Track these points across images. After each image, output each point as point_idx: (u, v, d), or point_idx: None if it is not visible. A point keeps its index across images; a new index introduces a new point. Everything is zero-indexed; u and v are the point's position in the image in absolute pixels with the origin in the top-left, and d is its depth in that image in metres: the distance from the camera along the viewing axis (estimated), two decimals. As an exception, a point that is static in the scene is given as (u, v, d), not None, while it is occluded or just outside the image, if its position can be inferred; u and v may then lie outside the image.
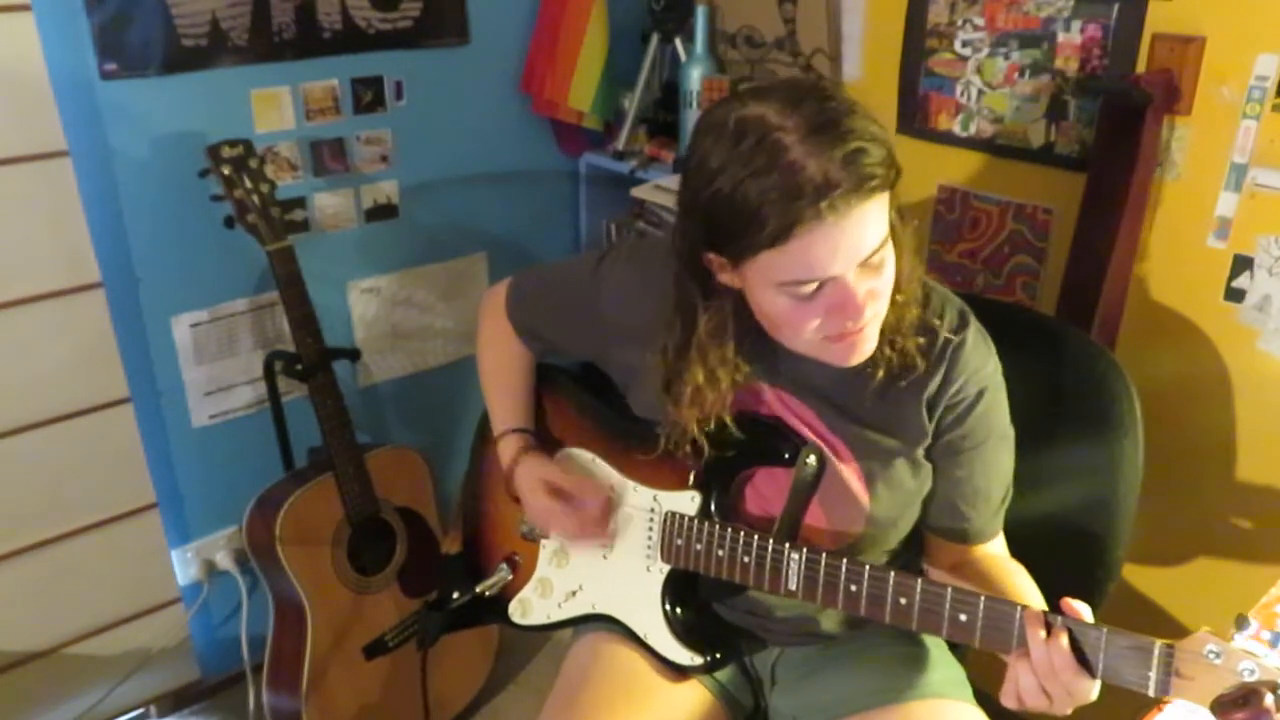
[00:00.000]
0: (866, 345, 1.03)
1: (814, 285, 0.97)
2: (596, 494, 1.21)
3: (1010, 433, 1.16)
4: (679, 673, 1.21)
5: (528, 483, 1.25)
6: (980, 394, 1.11)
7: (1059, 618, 0.92)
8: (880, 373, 1.08)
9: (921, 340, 1.09)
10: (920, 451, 1.12)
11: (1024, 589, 1.08)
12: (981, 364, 1.11)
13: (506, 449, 1.29)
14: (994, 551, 1.18)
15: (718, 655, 1.20)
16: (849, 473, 1.12)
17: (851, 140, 0.91)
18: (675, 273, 1.08)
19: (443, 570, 1.42)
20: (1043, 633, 0.92)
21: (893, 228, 1.00)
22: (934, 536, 1.19)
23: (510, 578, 1.33)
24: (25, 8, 1.50)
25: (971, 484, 1.14)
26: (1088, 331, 1.52)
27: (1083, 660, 0.90)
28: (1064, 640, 0.90)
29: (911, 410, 1.11)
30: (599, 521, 1.22)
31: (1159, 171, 1.53)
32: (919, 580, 0.99)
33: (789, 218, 0.90)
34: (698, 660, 1.19)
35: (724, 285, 1.05)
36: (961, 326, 1.11)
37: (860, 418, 1.12)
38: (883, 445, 1.12)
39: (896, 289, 1.04)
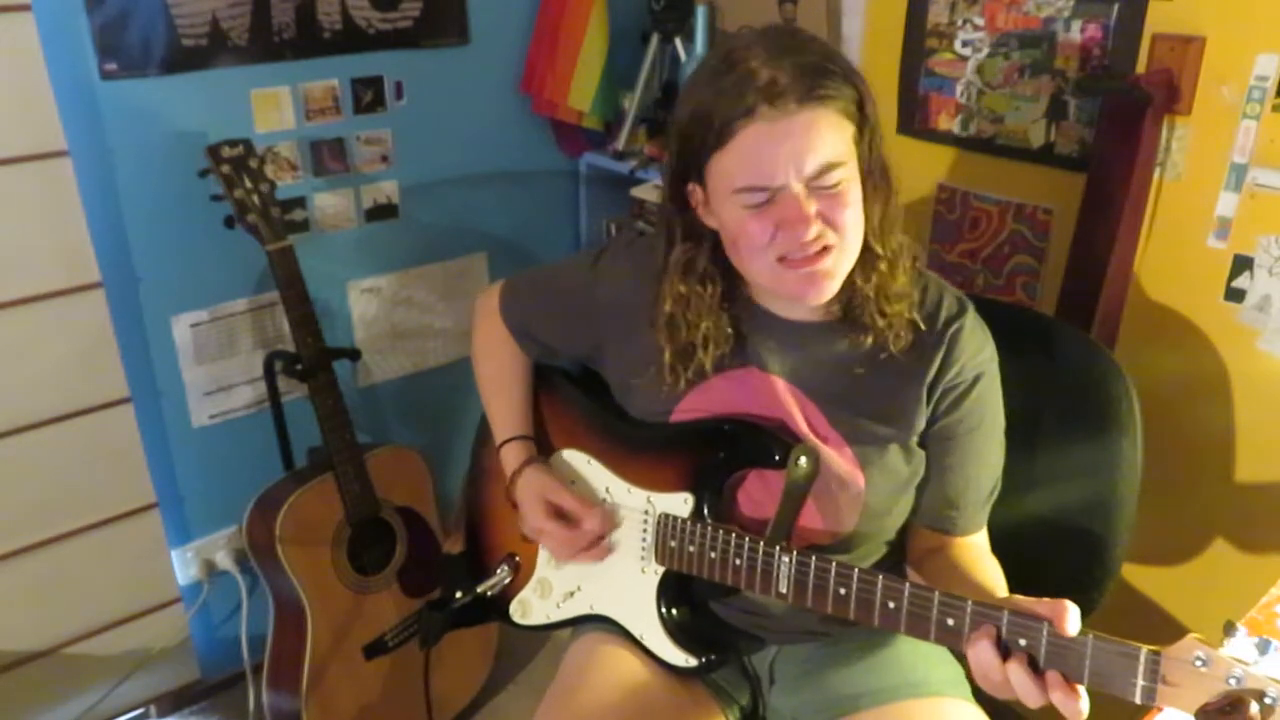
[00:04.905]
0: (827, 283, 1.04)
1: (764, 195, 0.99)
2: (597, 519, 1.20)
3: (1002, 425, 1.17)
4: (675, 674, 1.21)
5: (528, 497, 1.24)
6: (977, 379, 1.13)
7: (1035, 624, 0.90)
8: (885, 352, 1.10)
9: (922, 327, 1.11)
10: (914, 439, 1.14)
11: (995, 589, 1.07)
12: (979, 349, 1.14)
13: (509, 458, 1.29)
14: (975, 543, 1.19)
15: (712, 656, 1.19)
16: (844, 459, 1.13)
17: (810, 55, 0.97)
18: (662, 210, 1.13)
19: (445, 569, 1.42)
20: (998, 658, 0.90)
21: (864, 170, 1.02)
22: (918, 525, 1.20)
23: (510, 578, 1.33)
24: (25, 8, 1.50)
25: (962, 472, 1.15)
26: (1088, 331, 1.52)
27: (1071, 669, 0.88)
28: (1022, 667, 0.88)
29: (911, 396, 1.12)
30: (592, 545, 1.22)
31: (1159, 171, 1.52)
32: (906, 584, 0.98)
33: (731, 114, 0.96)
34: (692, 662, 1.18)
35: (706, 227, 1.09)
36: (960, 312, 1.14)
37: (859, 408, 1.13)
38: (879, 433, 1.13)
39: (875, 240, 1.06)
